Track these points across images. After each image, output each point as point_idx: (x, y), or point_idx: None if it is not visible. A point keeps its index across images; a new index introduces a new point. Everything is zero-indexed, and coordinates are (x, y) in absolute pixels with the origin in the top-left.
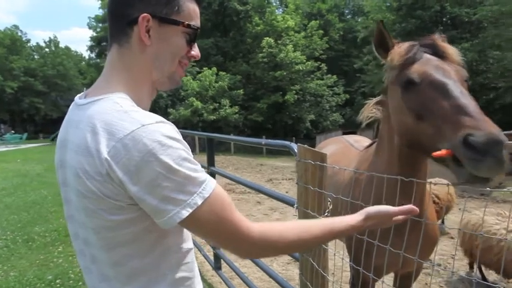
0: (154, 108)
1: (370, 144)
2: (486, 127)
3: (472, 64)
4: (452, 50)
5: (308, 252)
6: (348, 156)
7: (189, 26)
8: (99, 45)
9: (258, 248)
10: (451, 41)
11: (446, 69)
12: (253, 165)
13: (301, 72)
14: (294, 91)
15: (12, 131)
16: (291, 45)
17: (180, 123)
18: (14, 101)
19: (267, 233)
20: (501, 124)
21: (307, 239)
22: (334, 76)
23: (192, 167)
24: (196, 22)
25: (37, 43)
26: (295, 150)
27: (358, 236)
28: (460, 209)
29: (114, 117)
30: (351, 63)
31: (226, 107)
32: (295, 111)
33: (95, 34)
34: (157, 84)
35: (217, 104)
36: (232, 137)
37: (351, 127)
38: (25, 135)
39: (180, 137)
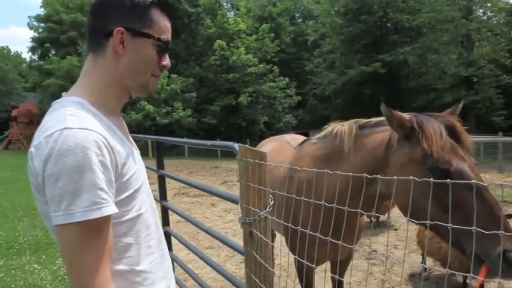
0: None
1: (303, 141)
2: None
3: (413, 67)
4: (469, 140)
5: (252, 246)
6: (283, 153)
7: (159, 39)
8: (41, 46)
9: None
10: (394, 45)
11: (474, 167)
12: (207, 168)
13: (254, 75)
14: (247, 93)
15: None
16: (243, 48)
17: (131, 128)
18: None
19: None
20: None
21: None
22: (286, 78)
23: (81, 184)
24: (166, 35)
25: None
26: (238, 150)
27: (293, 227)
28: None
29: (53, 117)
30: (302, 66)
31: (179, 111)
32: (248, 114)
33: (36, 35)
34: (130, 90)
35: (170, 108)
36: (179, 139)
37: (303, 128)
38: None
39: (97, 147)
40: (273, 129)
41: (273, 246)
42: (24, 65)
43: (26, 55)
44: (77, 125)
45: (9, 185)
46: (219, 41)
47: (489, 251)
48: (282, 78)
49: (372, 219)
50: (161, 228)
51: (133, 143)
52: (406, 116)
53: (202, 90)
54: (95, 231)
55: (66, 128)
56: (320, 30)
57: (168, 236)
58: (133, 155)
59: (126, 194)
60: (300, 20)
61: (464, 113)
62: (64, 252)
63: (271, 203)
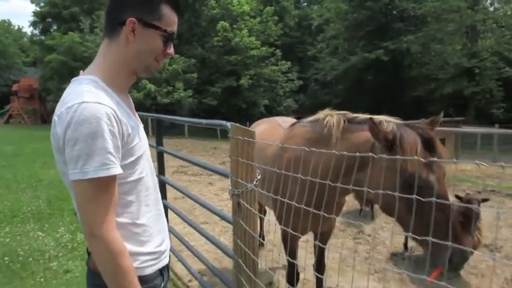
0: None
1: (294, 123)
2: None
3: (416, 55)
4: (445, 151)
5: (239, 215)
6: (274, 134)
7: (165, 31)
8: (43, 21)
9: (97, 244)
10: (398, 33)
11: (441, 180)
12: (207, 148)
13: (256, 58)
14: (249, 76)
15: None
16: (246, 30)
17: None
18: None
19: (110, 245)
20: (439, 113)
21: (120, 284)
22: (289, 62)
23: (94, 148)
24: (173, 28)
25: None
26: (230, 128)
27: (281, 199)
28: None
29: (73, 92)
30: (305, 50)
31: (180, 91)
32: (249, 96)
33: (38, 9)
34: (137, 72)
35: (171, 87)
36: (177, 117)
37: (303, 112)
38: None
39: (108, 118)
40: (273, 113)
41: (262, 219)
42: (26, 39)
43: (28, 29)
44: (93, 99)
45: (12, 158)
46: (222, 22)
47: (442, 256)
48: (284, 62)
49: (363, 207)
50: (159, 191)
51: (138, 117)
52: (389, 129)
53: (203, 71)
54: (104, 187)
55: (83, 102)
56: (325, 15)
57: (165, 209)
58: (138, 127)
59: (131, 159)
60: (305, 3)
61: (464, 104)
62: (78, 203)
63: (258, 177)
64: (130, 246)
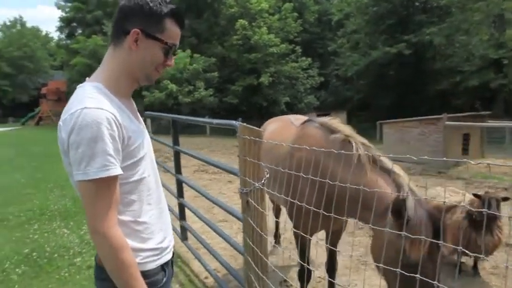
0: None
1: (305, 122)
2: None
3: (439, 48)
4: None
5: (248, 213)
6: (285, 133)
7: (166, 43)
8: (69, 25)
9: (100, 239)
10: (420, 26)
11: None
12: (228, 146)
13: (276, 55)
14: (269, 73)
15: None
16: (265, 28)
17: (155, 106)
18: None
19: (111, 241)
20: (464, 107)
21: (123, 277)
22: (309, 59)
23: (95, 151)
24: (174, 41)
25: (4, 22)
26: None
27: (299, 203)
28: (417, 185)
29: (76, 99)
30: (326, 46)
31: (201, 90)
32: (270, 94)
33: (64, 14)
34: (138, 80)
35: (192, 87)
36: (189, 117)
37: (325, 109)
38: None
39: (108, 123)
40: (294, 110)
41: (277, 217)
42: (53, 44)
43: (55, 34)
44: (94, 105)
45: (42, 158)
46: (241, 20)
47: None
48: (304, 58)
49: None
50: (161, 190)
51: (142, 121)
52: (404, 210)
53: (224, 70)
54: (105, 186)
55: (85, 108)
56: (345, 9)
57: (182, 207)
58: (139, 130)
59: (132, 160)
60: None
61: (491, 97)
62: (83, 201)
63: (266, 176)
64: (132, 243)
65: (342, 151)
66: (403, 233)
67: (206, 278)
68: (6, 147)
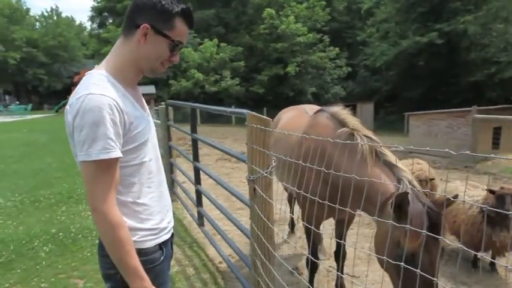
0: (156, 79)
1: (317, 111)
2: None
3: (474, 37)
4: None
5: (255, 200)
6: (298, 122)
7: (173, 40)
8: (100, 15)
9: (98, 217)
10: (455, 14)
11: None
12: None
13: (303, 44)
14: (295, 63)
15: (17, 102)
16: (292, 17)
17: (181, 95)
18: (17, 72)
19: (109, 219)
20: (499, 99)
21: (118, 253)
22: (337, 48)
23: (97, 134)
24: (181, 39)
25: (42, 12)
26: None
27: (312, 198)
28: (441, 179)
29: (83, 85)
30: (355, 35)
31: (228, 79)
32: (296, 84)
33: (96, 4)
34: (143, 72)
35: (219, 76)
36: (206, 106)
37: (352, 100)
38: (30, 106)
39: (110, 108)
40: (320, 100)
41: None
42: (85, 33)
43: (87, 24)
44: (98, 91)
45: None
46: (269, 9)
47: None
48: (332, 48)
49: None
50: (163, 174)
51: (147, 109)
52: (406, 205)
53: (250, 59)
54: (105, 168)
55: (90, 94)
56: None
57: (199, 194)
58: (143, 117)
59: (134, 145)
60: None
61: None
62: (84, 181)
63: (274, 164)
64: (131, 222)
65: (347, 142)
66: (406, 226)
67: (220, 263)
68: (41, 133)
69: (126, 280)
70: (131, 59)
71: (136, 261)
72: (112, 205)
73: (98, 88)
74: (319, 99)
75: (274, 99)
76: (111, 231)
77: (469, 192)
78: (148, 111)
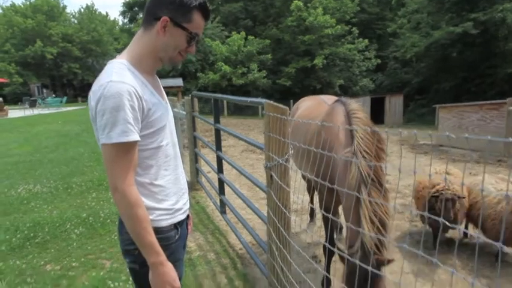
0: (184, 72)
1: (336, 101)
2: None
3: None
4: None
5: (271, 186)
6: (317, 110)
7: (191, 33)
8: (131, 10)
9: (118, 195)
10: (492, 2)
11: None
12: None
13: (331, 36)
14: (323, 55)
15: (53, 95)
16: (320, 9)
17: (209, 87)
18: (54, 66)
19: (128, 198)
20: None
21: (136, 229)
22: (366, 40)
23: (117, 119)
24: (198, 31)
25: (79, 8)
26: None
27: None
28: (470, 173)
29: (105, 73)
30: (385, 27)
31: (255, 72)
32: (323, 76)
33: (127, 0)
34: (162, 61)
35: (246, 69)
36: (228, 96)
37: (381, 92)
38: (65, 98)
39: (129, 95)
40: (348, 93)
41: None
42: (117, 27)
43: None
44: (118, 79)
45: None
46: (296, 1)
47: None
48: (361, 40)
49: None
50: (180, 159)
51: (165, 97)
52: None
53: (278, 52)
54: (124, 150)
55: (111, 81)
56: None
57: (221, 183)
58: (160, 104)
59: (151, 130)
60: None
61: None
62: (105, 163)
63: (291, 152)
64: (148, 202)
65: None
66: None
67: (240, 249)
68: (75, 124)
69: (143, 255)
70: (150, 49)
71: (152, 237)
72: (130, 185)
73: (117, 76)
74: (346, 91)
75: (301, 92)
76: (129, 208)
77: (497, 186)
78: (166, 98)
